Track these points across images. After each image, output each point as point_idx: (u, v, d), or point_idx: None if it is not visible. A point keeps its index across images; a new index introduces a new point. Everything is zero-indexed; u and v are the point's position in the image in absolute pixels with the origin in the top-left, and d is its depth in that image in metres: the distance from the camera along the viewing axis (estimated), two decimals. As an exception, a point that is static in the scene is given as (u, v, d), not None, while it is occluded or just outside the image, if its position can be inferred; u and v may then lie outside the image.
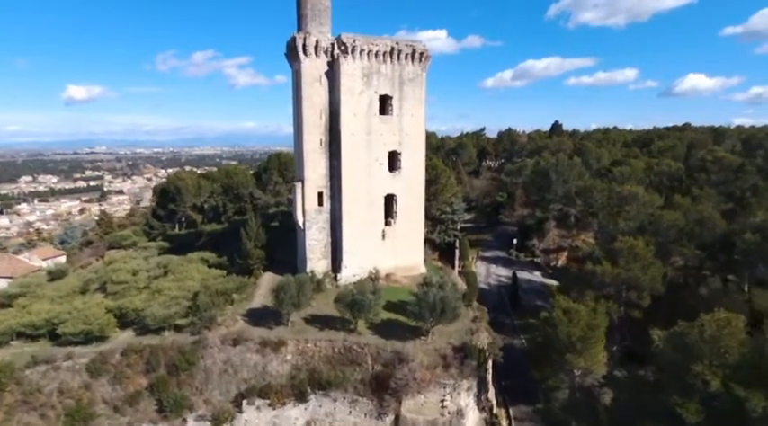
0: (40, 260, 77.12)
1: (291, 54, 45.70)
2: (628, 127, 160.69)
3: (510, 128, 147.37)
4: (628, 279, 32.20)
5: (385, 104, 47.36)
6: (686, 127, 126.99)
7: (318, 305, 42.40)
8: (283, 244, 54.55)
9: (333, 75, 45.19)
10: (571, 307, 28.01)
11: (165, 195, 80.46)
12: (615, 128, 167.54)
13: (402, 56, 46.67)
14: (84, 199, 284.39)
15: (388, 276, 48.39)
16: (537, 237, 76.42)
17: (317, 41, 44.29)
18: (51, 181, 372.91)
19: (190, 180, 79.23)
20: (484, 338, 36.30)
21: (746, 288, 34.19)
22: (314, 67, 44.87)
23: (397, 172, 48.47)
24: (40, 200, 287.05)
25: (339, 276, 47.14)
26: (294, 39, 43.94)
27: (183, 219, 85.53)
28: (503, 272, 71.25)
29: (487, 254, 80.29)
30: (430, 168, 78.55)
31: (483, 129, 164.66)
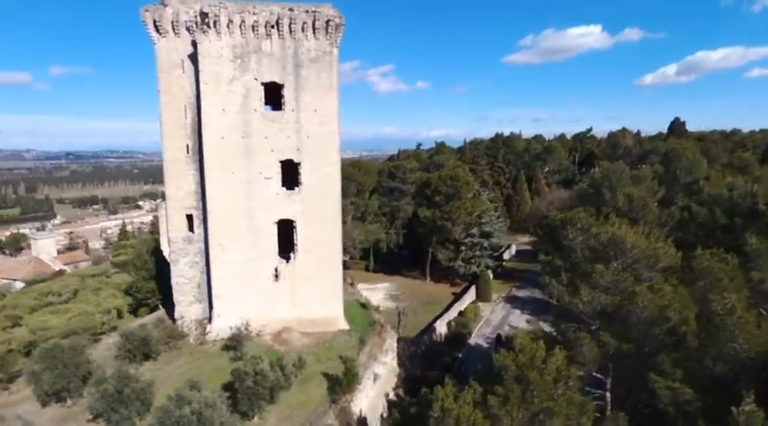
0: (61, 263, 78.58)
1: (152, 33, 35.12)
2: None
3: (624, 129, 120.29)
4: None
5: (275, 96, 34.29)
6: None
7: (167, 366, 31.27)
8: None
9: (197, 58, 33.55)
10: None
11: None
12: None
13: (298, 27, 33.11)
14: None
15: (279, 334, 35.11)
16: (587, 277, 55.16)
17: (176, 15, 33.14)
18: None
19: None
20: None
21: None
22: (173, 49, 33.80)
23: (296, 189, 34.97)
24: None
25: (209, 328, 35.27)
26: (144, 14, 33.27)
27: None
28: (524, 323, 52.20)
29: (521, 293, 61.05)
30: (449, 179, 62.83)
31: (589, 130, 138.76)
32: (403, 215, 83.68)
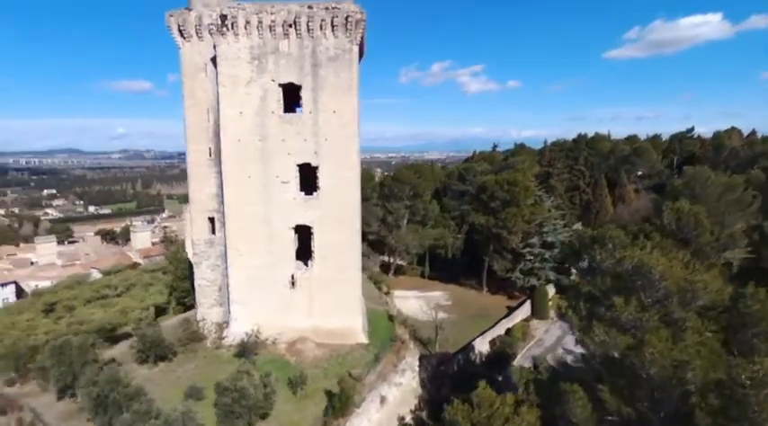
0: (140, 257, 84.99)
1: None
2: None
3: (732, 128, 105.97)
4: None
5: (292, 98, 33.09)
6: None
7: (179, 368, 31.67)
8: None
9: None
10: None
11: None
12: None
13: (316, 25, 31.64)
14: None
15: (293, 343, 33.90)
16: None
17: (199, 19, 33.18)
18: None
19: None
20: None
21: None
22: (196, 53, 33.88)
23: (313, 194, 33.52)
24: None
25: (226, 332, 35.00)
26: (169, 19, 33.63)
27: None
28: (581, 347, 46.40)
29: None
30: (506, 183, 58.38)
31: (691, 129, 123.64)
32: (471, 219, 79.51)
